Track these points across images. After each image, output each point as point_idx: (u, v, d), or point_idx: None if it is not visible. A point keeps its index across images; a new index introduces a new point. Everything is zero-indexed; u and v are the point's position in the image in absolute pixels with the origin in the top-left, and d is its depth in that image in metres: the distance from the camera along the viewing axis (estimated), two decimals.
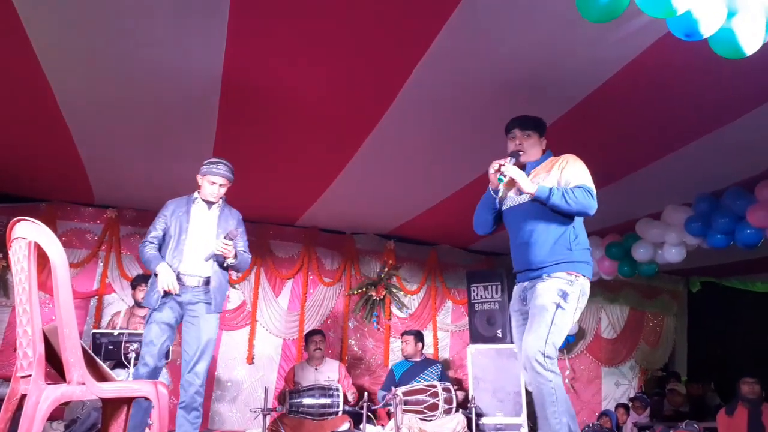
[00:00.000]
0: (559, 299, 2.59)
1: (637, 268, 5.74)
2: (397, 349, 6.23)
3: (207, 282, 3.38)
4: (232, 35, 2.90)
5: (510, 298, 6.35)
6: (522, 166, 2.87)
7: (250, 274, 6.08)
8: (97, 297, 5.53)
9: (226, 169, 3.48)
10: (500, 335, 5.99)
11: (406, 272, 6.73)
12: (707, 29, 2.13)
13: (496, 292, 6.25)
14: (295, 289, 6.28)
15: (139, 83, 3.41)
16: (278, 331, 6.09)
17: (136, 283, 4.98)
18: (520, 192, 2.79)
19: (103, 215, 5.67)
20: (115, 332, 4.13)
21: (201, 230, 3.44)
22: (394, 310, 6.58)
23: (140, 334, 4.20)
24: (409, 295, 6.67)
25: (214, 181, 3.45)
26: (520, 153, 2.86)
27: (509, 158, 2.80)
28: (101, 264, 5.62)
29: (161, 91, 3.49)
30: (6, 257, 5.10)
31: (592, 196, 2.69)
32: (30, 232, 2.02)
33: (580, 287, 2.67)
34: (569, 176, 2.76)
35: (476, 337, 6.13)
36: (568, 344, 6.98)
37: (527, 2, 2.59)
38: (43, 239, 2.00)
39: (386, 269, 6.57)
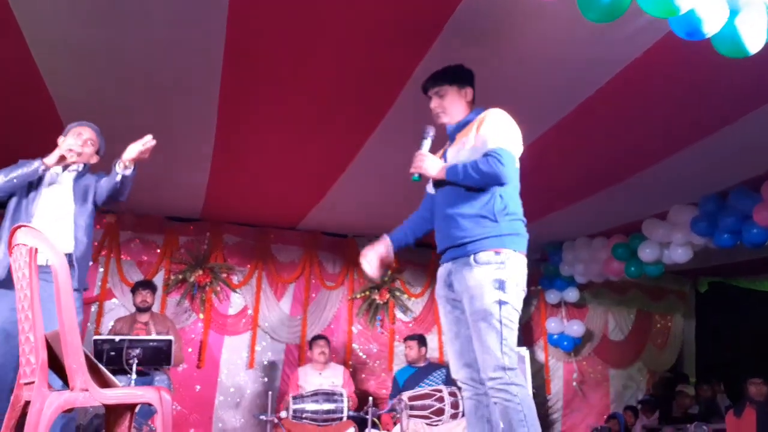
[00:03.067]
0: (498, 294, 2.17)
1: (643, 269, 5.70)
2: (402, 354, 6.21)
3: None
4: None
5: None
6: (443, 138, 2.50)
7: (251, 278, 6.08)
8: (97, 302, 5.53)
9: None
10: None
11: (409, 275, 6.70)
12: (710, 29, 2.12)
13: None
14: (298, 293, 6.26)
15: (139, 87, 3.41)
16: (281, 336, 6.08)
17: (136, 288, 4.98)
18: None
19: (103, 220, 5.68)
20: (117, 338, 4.12)
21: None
22: (398, 313, 6.55)
23: (142, 340, 4.21)
24: (412, 299, 6.65)
25: (79, 133, 3.00)
26: (432, 128, 2.48)
27: (423, 138, 2.45)
28: (101, 269, 5.63)
29: (162, 93, 3.50)
30: None
31: (500, 161, 2.22)
32: (30, 239, 2.02)
33: (514, 267, 2.25)
34: (486, 139, 2.30)
35: None
36: (576, 346, 6.95)
37: (528, 2, 2.58)
38: (43, 246, 2.00)
39: (389, 272, 6.55)
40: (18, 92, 3.49)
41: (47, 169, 2.85)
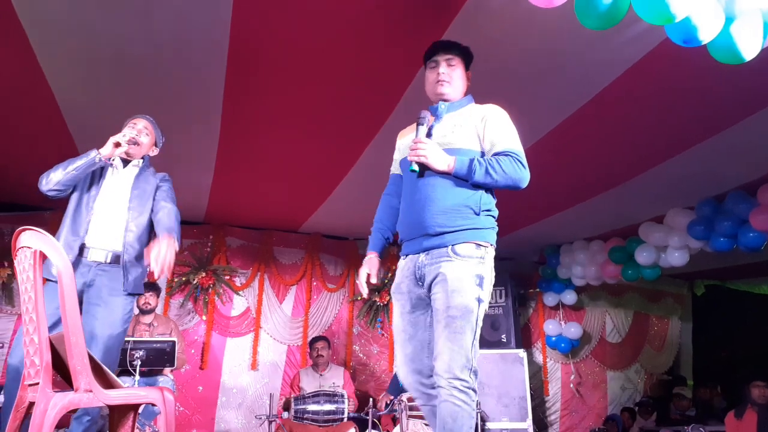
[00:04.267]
0: (478, 290, 2.03)
1: (640, 272, 5.74)
2: None
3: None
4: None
5: (514, 302, 6.44)
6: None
7: (253, 280, 6.11)
8: None
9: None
10: (505, 340, 5.99)
11: None
12: (706, 36, 2.15)
13: (500, 297, 6.27)
14: (299, 295, 6.30)
15: (144, 92, 3.44)
16: (283, 338, 6.11)
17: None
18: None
19: None
20: None
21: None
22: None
23: (146, 342, 4.23)
24: None
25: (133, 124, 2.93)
26: (428, 113, 2.24)
27: (419, 123, 2.19)
28: None
29: (166, 98, 3.53)
30: (11, 266, 5.14)
31: (523, 165, 2.13)
32: (35, 242, 2.04)
33: (490, 263, 2.11)
34: (495, 137, 2.15)
35: (481, 342, 6.10)
36: (574, 348, 6.98)
37: (524, 8, 2.61)
38: (48, 248, 2.02)
39: (390, 275, 6.58)
40: (24, 100, 3.52)
41: (103, 159, 2.71)
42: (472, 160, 2.08)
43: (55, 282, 2.49)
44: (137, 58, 3.11)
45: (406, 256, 2.18)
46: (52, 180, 2.68)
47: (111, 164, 2.84)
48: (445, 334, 2.00)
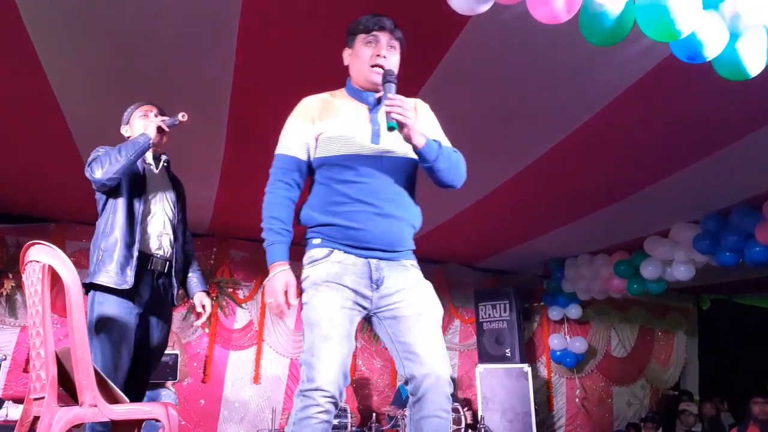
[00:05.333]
0: None
1: (646, 286, 5.72)
2: None
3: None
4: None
5: (519, 316, 6.42)
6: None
7: (257, 293, 6.10)
8: None
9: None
10: (509, 355, 5.96)
11: None
12: (710, 52, 2.16)
13: (505, 311, 6.25)
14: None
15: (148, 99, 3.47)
16: (286, 351, 6.09)
17: None
18: (376, 136, 1.84)
19: None
20: None
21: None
22: None
23: None
24: None
25: (146, 113, 2.63)
26: (393, 75, 1.83)
27: (390, 81, 1.80)
28: None
29: (171, 110, 3.55)
30: (15, 277, 5.15)
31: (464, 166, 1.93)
32: (44, 256, 2.05)
33: None
34: (437, 132, 1.95)
35: (485, 357, 6.10)
36: (579, 363, 6.94)
37: (531, 24, 2.63)
38: (56, 263, 2.03)
39: None
40: (30, 111, 3.55)
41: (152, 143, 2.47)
42: (439, 143, 1.83)
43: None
44: (145, 75, 3.14)
45: (357, 255, 1.78)
46: (112, 168, 2.36)
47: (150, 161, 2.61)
48: (427, 339, 1.75)
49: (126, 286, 2.36)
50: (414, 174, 1.90)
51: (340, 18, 2.24)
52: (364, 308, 1.78)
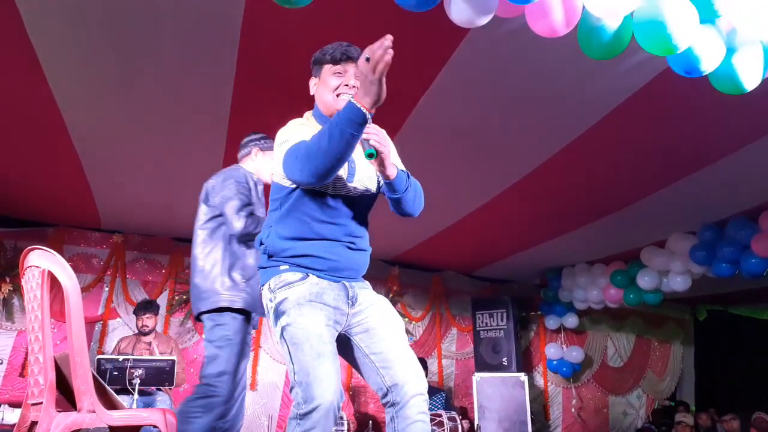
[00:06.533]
0: None
1: (642, 296, 5.73)
2: None
3: None
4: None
5: (516, 325, 6.42)
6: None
7: None
8: (101, 322, 5.55)
9: None
10: (506, 363, 5.96)
11: (410, 299, 6.72)
12: (707, 66, 2.19)
13: (502, 320, 6.25)
14: None
15: (150, 112, 3.49)
16: (282, 358, 6.06)
17: (137, 312, 4.82)
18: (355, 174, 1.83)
19: (110, 240, 5.71)
20: (120, 358, 4.13)
21: None
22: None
23: (146, 360, 4.21)
24: (413, 322, 6.66)
25: None
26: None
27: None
28: (106, 289, 5.65)
29: (172, 118, 3.57)
30: (13, 281, 5.14)
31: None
32: (44, 261, 2.06)
33: None
34: (398, 160, 1.92)
35: (481, 365, 6.10)
36: (575, 372, 6.94)
37: (529, 36, 2.66)
38: (56, 268, 2.03)
39: (390, 295, 6.57)
40: (30, 114, 3.56)
41: None
42: (407, 174, 1.86)
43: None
44: (145, 81, 3.16)
45: (320, 278, 1.80)
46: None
47: None
48: (403, 346, 1.80)
49: None
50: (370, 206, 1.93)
51: (344, 31, 2.28)
52: (341, 326, 1.79)
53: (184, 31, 2.75)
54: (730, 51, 2.24)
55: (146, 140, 3.85)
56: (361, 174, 1.83)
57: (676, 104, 3.16)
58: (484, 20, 2.15)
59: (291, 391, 1.69)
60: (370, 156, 1.67)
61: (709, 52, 2.17)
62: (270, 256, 1.81)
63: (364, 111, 1.56)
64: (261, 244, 1.86)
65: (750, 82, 2.28)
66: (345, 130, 1.57)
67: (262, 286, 1.81)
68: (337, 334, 1.77)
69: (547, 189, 4.36)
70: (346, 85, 1.83)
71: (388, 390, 1.74)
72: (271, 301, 1.76)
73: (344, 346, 1.82)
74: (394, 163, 1.80)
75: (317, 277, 1.79)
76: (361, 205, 1.87)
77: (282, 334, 1.70)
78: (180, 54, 2.90)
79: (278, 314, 1.72)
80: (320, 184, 1.70)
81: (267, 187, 2.64)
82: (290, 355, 1.68)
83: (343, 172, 1.80)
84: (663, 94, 3.01)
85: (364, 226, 1.91)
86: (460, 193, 4.53)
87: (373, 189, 1.87)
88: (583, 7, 2.12)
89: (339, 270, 1.82)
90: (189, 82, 3.13)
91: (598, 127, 3.44)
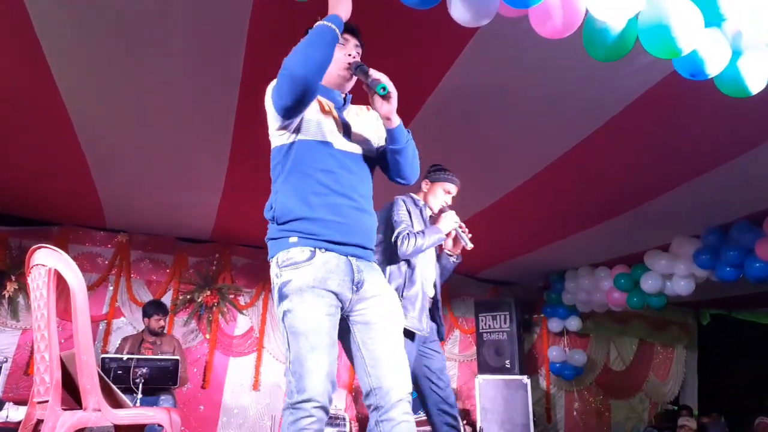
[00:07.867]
0: None
1: (646, 300, 5.72)
2: None
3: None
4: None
5: (519, 327, 6.42)
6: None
7: (258, 300, 6.11)
8: (105, 321, 5.57)
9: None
10: (509, 366, 5.95)
11: None
12: (712, 69, 2.19)
13: (505, 322, 6.24)
14: None
15: (156, 114, 3.50)
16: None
17: (152, 313, 4.80)
18: (346, 131, 1.88)
19: (114, 239, 5.74)
20: (125, 357, 4.14)
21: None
22: None
23: (150, 360, 4.23)
24: None
25: (449, 191, 3.03)
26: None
27: (362, 67, 1.86)
28: (111, 288, 5.67)
29: (178, 119, 3.58)
30: (18, 279, 5.16)
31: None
32: (50, 260, 2.08)
33: None
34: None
35: (484, 368, 6.09)
36: (578, 375, 6.93)
37: (533, 37, 2.66)
38: (62, 266, 2.05)
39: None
40: (38, 113, 3.57)
41: None
42: (408, 131, 1.92)
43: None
44: (152, 81, 3.18)
45: (328, 251, 1.75)
46: None
47: None
48: (390, 349, 1.79)
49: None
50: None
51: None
52: (342, 309, 1.77)
53: (191, 31, 2.76)
54: (736, 54, 2.23)
55: (152, 140, 3.86)
56: (359, 133, 1.91)
57: (680, 107, 3.15)
58: (487, 19, 2.15)
59: (284, 375, 1.70)
60: (383, 90, 1.75)
61: (714, 55, 2.17)
62: (279, 224, 1.77)
63: (337, 14, 1.75)
64: (270, 209, 1.81)
65: (755, 85, 2.28)
66: (325, 31, 1.72)
67: (270, 258, 1.79)
68: (338, 319, 1.75)
69: (552, 191, 4.36)
70: (349, 55, 1.91)
71: (371, 390, 1.76)
72: (277, 277, 1.74)
73: (346, 333, 1.81)
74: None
75: (324, 251, 1.73)
76: (359, 164, 1.89)
77: (283, 318, 1.71)
78: (187, 53, 2.92)
79: (281, 296, 1.71)
80: (307, 98, 1.70)
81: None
82: (288, 341, 1.71)
83: (339, 129, 1.86)
84: (667, 97, 3.01)
85: (367, 189, 1.90)
86: (464, 195, 4.52)
87: (373, 148, 1.94)
88: (587, 10, 2.13)
89: (348, 234, 1.77)
90: (196, 81, 3.15)
91: (602, 130, 3.44)
